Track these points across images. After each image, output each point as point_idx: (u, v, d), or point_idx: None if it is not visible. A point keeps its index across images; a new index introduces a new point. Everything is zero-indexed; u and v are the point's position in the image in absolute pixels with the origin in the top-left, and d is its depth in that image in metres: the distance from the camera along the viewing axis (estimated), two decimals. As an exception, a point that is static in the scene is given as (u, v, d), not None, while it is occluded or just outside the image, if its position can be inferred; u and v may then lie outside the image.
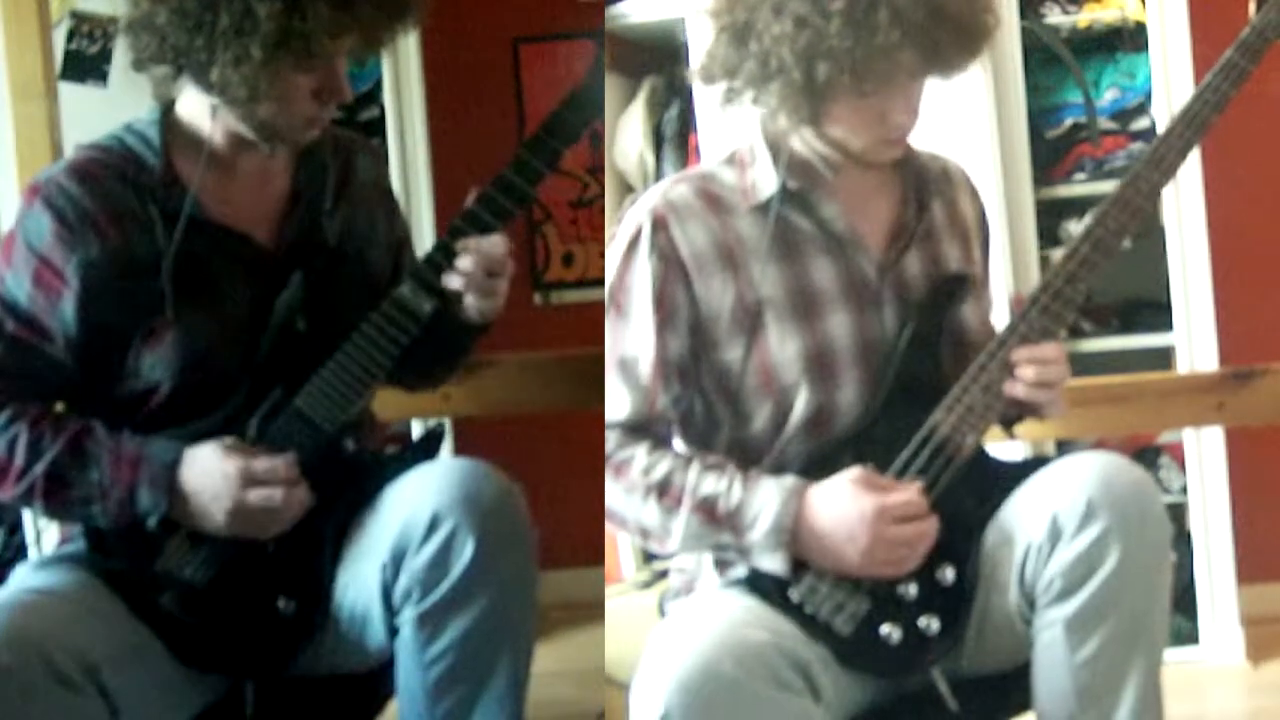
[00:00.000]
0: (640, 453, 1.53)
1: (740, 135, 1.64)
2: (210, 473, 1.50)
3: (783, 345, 1.56)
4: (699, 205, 1.58)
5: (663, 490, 1.51)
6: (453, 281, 1.56)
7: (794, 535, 1.47)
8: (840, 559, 1.47)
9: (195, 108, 1.59)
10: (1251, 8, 1.62)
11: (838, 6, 1.43)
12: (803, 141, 1.58)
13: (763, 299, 1.55)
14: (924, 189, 1.64)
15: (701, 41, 1.57)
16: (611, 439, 1.55)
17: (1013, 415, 1.63)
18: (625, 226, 1.60)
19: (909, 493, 1.48)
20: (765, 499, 1.47)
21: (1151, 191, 1.58)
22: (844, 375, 1.56)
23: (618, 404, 1.56)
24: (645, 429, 1.57)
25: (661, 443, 1.57)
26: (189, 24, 1.47)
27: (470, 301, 1.57)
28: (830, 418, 1.56)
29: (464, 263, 1.55)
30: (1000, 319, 1.61)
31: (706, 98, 2.87)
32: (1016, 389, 1.52)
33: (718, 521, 1.49)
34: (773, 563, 1.48)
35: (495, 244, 1.57)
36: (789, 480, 1.49)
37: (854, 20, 1.43)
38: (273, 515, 1.52)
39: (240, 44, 1.46)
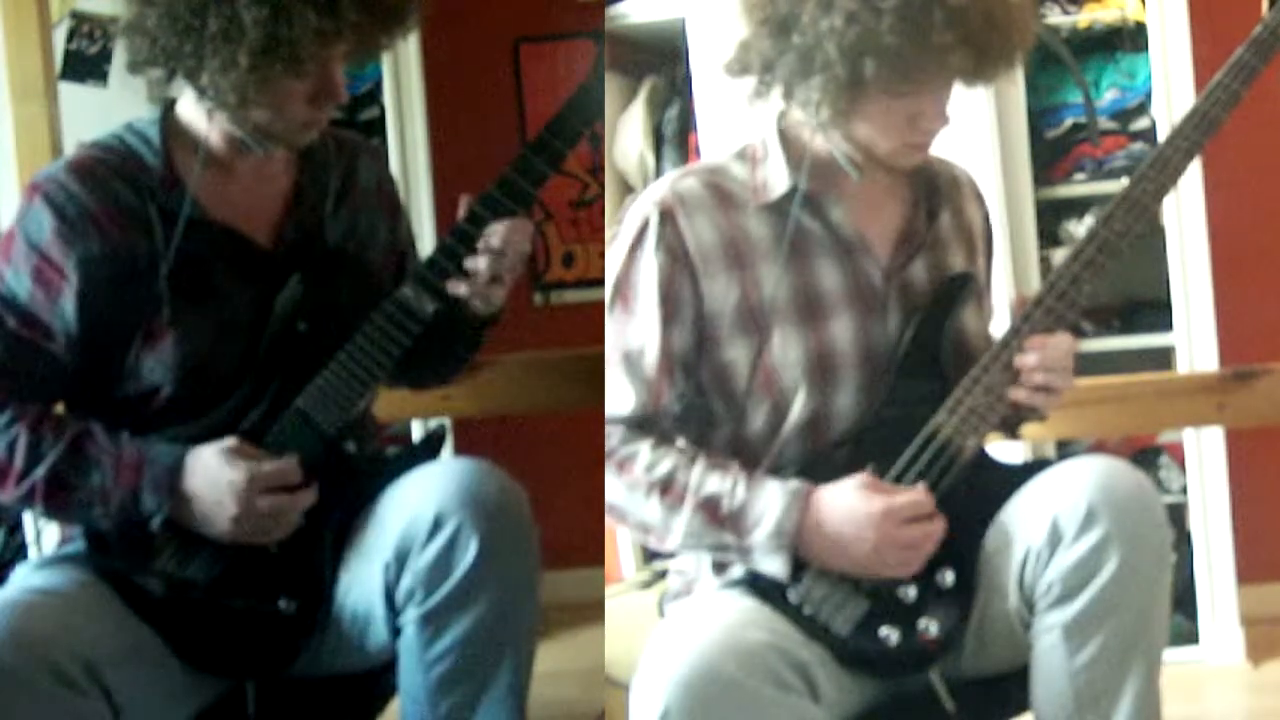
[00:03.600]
0: (644, 449, 1.53)
1: (746, 132, 1.64)
2: (215, 482, 1.50)
3: (785, 348, 1.55)
4: (708, 199, 1.58)
5: (665, 487, 1.51)
6: (474, 263, 1.55)
7: (798, 536, 1.47)
8: (847, 559, 1.47)
9: (195, 109, 1.59)
10: (1264, 5, 1.61)
11: (890, 4, 1.42)
12: (827, 140, 1.57)
13: (769, 300, 1.55)
14: (935, 196, 1.64)
15: (730, 36, 1.55)
16: (615, 434, 1.55)
17: (1015, 418, 1.62)
18: (632, 218, 1.59)
19: (916, 494, 1.48)
20: (769, 501, 1.47)
21: (1159, 192, 1.56)
22: (844, 380, 1.56)
23: (621, 398, 1.56)
24: (649, 424, 1.56)
25: (665, 439, 1.57)
26: (179, 28, 1.47)
27: (478, 290, 1.56)
28: (827, 421, 1.56)
29: (493, 240, 1.54)
30: (1000, 328, 1.61)
31: (707, 98, 2.88)
32: (1028, 371, 1.51)
33: (720, 521, 1.49)
34: (773, 565, 1.47)
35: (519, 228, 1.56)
36: (794, 483, 1.49)
37: (907, 18, 1.42)
38: (277, 521, 1.52)
39: (228, 50, 1.45)
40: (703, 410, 1.61)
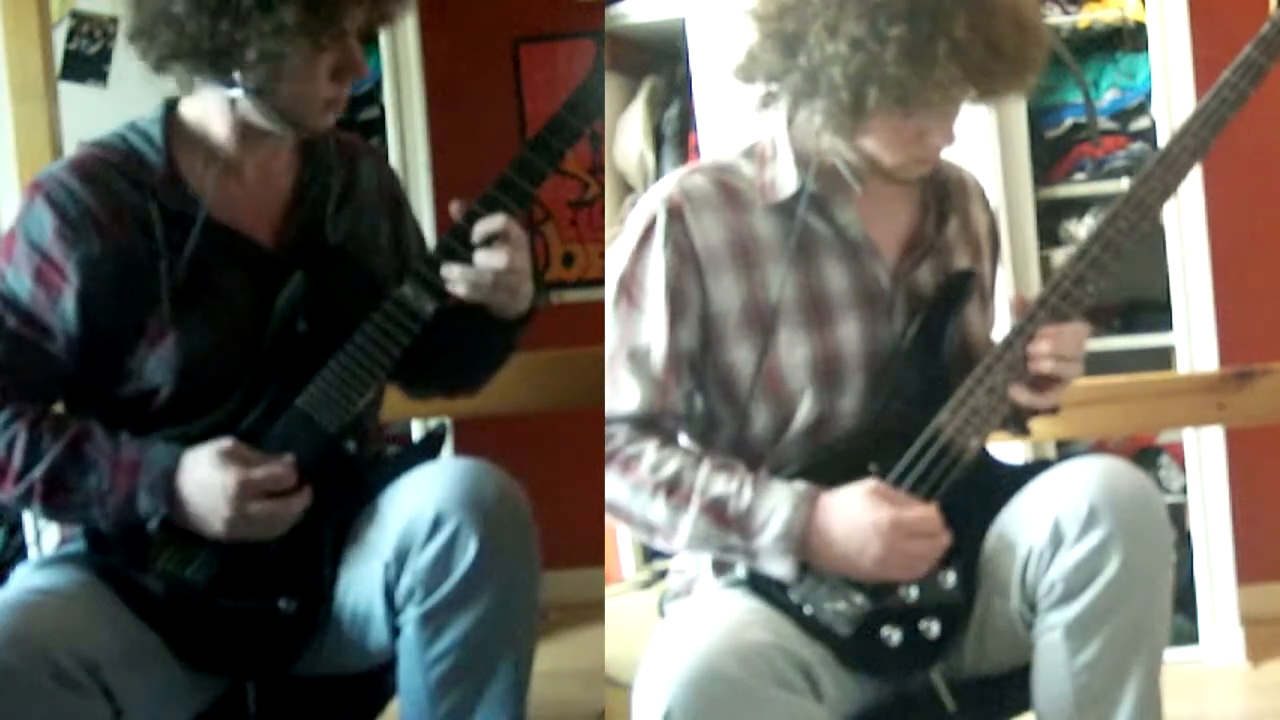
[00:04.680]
0: (649, 449, 1.52)
1: (746, 133, 1.63)
2: (209, 485, 1.49)
3: (791, 350, 1.55)
4: (716, 197, 1.57)
5: (671, 488, 1.50)
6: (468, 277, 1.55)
7: (804, 540, 1.46)
8: (851, 567, 1.46)
9: (201, 107, 1.59)
10: (1271, 3, 1.60)
11: (896, 33, 1.41)
12: (833, 150, 1.56)
13: (776, 302, 1.55)
14: (944, 201, 1.63)
15: (740, 41, 1.53)
16: (619, 433, 1.54)
17: (1026, 412, 1.62)
18: (638, 214, 1.58)
19: (926, 509, 1.47)
20: (776, 503, 1.47)
21: (1164, 191, 1.56)
22: (849, 383, 1.56)
23: (627, 396, 1.55)
24: (654, 423, 1.56)
25: (669, 438, 1.56)
26: (210, 7, 1.47)
27: (479, 283, 1.55)
28: (831, 423, 1.56)
29: (477, 232, 1.54)
30: (1001, 330, 1.60)
31: (707, 98, 2.88)
32: (1040, 359, 1.51)
33: (727, 523, 1.48)
34: (780, 567, 1.47)
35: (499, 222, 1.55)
36: (800, 486, 1.48)
37: (912, 50, 1.41)
38: (272, 522, 1.52)
39: (272, 18, 1.45)
40: (706, 410, 1.61)
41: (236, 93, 1.53)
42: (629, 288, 1.57)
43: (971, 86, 1.45)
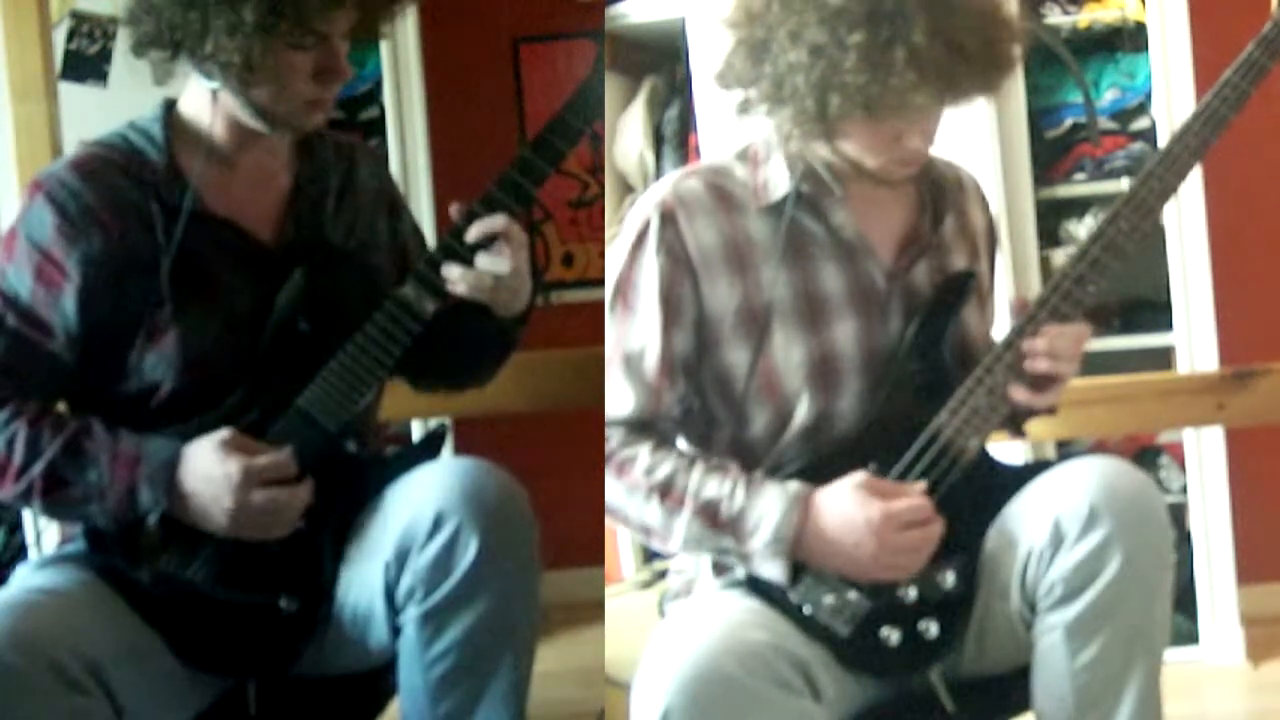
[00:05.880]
0: (643, 452, 1.53)
1: (745, 133, 1.64)
2: (210, 476, 1.49)
3: (788, 351, 1.55)
4: (709, 201, 1.58)
5: (665, 491, 1.50)
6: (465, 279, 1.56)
7: (797, 541, 1.46)
8: (846, 564, 1.46)
9: (198, 103, 1.59)
10: (1273, 3, 1.60)
11: (855, 40, 1.40)
12: (814, 154, 1.56)
13: (770, 303, 1.55)
14: (940, 200, 1.63)
15: (719, 48, 1.54)
16: (614, 437, 1.54)
17: (1022, 413, 1.62)
18: (633, 218, 1.59)
19: (915, 498, 1.47)
20: (767, 506, 1.47)
21: (1165, 191, 1.55)
22: (847, 383, 1.56)
23: (621, 400, 1.56)
24: (649, 426, 1.56)
25: (664, 441, 1.56)
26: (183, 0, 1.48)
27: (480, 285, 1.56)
28: (830, 424, 1.56)
29: (472, 233, 1.55)
30: (1001, 330, 1.60)
31: (707, 98, 2.88)
32: (1034, 357, 1.51)
33: (719, 526, 1.48)
34: (772, 570, 1.47)
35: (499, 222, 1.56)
36: (793, 487, 1.48)
37: (870, 56, 1.40)
38: (276, 516, 1.52)
39: (233, 13, 1.46)
40: (704, 412, 1.61)
41: (215, 85, 1.54)
42: (623, 292, 1.57)
43: (934, 91, 1.44)
